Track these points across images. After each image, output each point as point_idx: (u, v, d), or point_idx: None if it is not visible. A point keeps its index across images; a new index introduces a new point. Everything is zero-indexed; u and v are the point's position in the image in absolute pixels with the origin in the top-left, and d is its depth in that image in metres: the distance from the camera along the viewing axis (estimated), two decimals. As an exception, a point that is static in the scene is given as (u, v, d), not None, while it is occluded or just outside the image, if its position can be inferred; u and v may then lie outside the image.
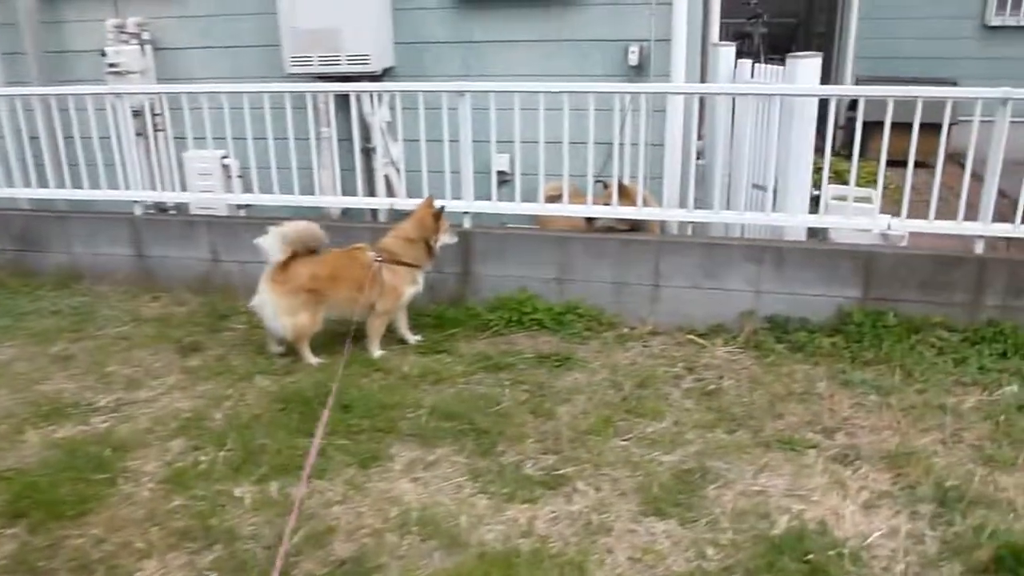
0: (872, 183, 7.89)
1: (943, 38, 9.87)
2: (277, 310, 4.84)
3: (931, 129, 4.81)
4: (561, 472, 3.89)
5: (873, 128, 4.96)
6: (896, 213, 5.10)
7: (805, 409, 4.44)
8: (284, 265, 4.82)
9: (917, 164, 4.93)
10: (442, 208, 5.09)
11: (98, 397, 4.66)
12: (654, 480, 3.82)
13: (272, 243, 4.77)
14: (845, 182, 5.26)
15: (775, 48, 10.61)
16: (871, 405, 4.46)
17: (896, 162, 5.04)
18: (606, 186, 5.42)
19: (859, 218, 5.08)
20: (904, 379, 4.70)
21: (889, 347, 4.94)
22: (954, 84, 9.21)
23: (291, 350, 5.04)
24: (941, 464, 3.90)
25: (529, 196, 5.62)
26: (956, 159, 6.32)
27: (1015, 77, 9.47)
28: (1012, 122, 4.69)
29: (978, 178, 4.99)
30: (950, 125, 4.90)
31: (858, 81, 9.36)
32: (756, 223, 5.55)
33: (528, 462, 3.99)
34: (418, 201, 5.38)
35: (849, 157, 5.12)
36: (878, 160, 5.01)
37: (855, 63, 9.52)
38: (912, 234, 5.20)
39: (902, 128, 4.81)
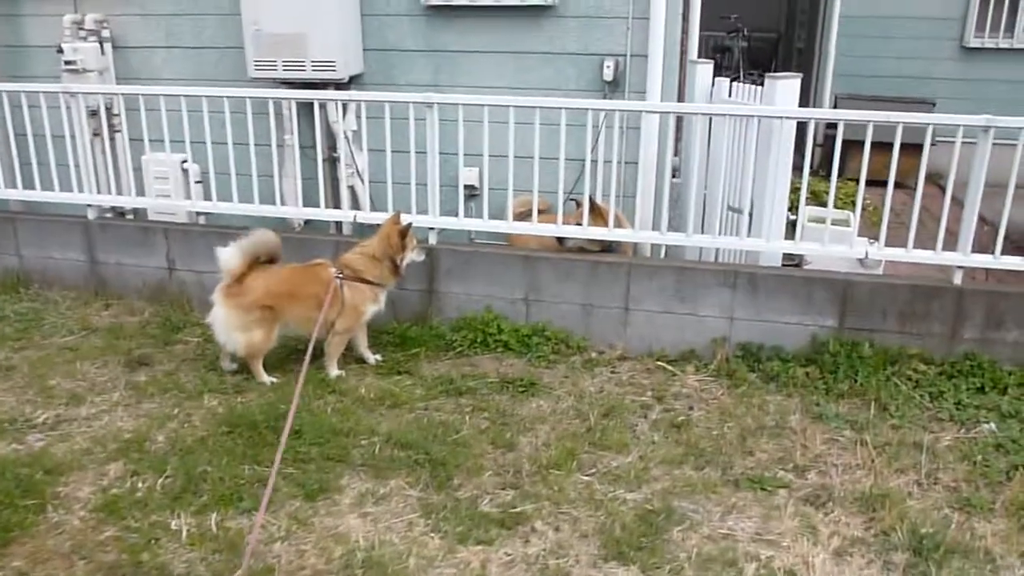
0: (850, 203, 7.81)
1: (922, 58, 9.83)
2: (230, 325, 4.61)
3: (910, 148, 4.67)
4: (519, 510, 3.70)
5: (851, 146, 4.82)
6: (874, 236, 4.96)
7: (777, 445, 4.28)
8: (239, 278, 4.59)
9: (895, 185, 4.79)
10: (409, 225, 4.88)
11: (37, 413, 4.42)
12: (617, 521, 3.63)
13: (230, 254, 4.54)
14: (823, 202, 5.11)
15: (755, 63, 10.52)
16: (845, 441, 4.31)
17: (874, 181, 4.90)
18: (578, 204, 5.23)
19: (836, 246, 4.91)
20: (879, 414, 4.55)
21: (864, 379, 4.79)
22: (932, 104, 9.19)
23: (244, 367, 4.81)
24: (916, 508, 3.75)
25: (498, 212, 5.43)
26: (934, 179, 6.20)
27: (993, 99, 9.53)
28: (992, 143, 4.56)
29: (958, 203, 4.86)
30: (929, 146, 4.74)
31: (837, 99, 9.26)
32: (731, 248, 5.38)
33: (485, 498, 3.79)
34: (384, 215, 5.19)
35: (827, 176, 4.98)
36: (856, 179, 4.87)
37: (834, 81, 9.43)
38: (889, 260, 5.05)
39: (881, 147, 4.67)
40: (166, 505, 3.66)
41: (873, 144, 4.63)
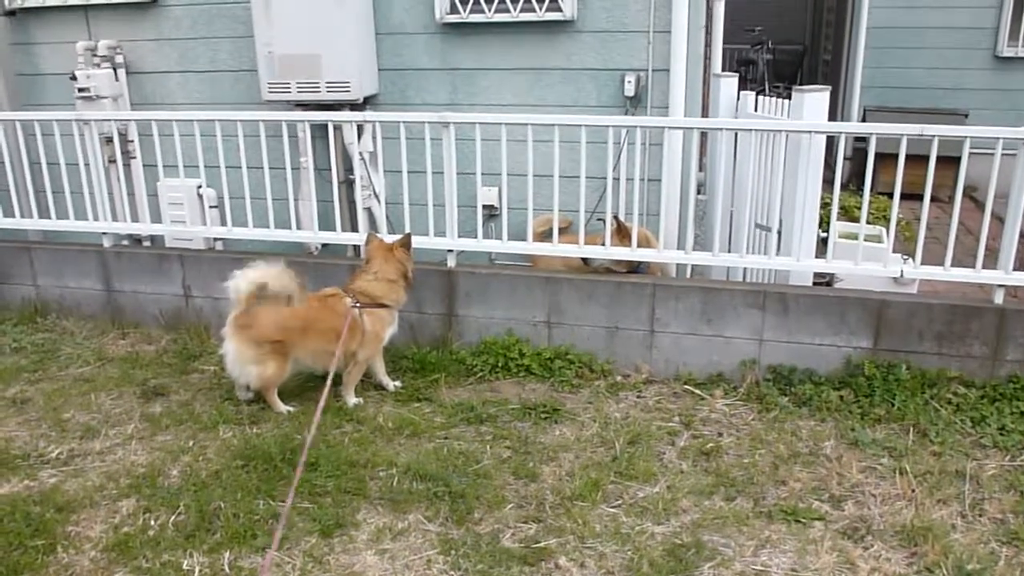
0: (882, 218, 7.60)
1: (954, 68, 9.59)
2: (242, 359, 4.51)
3: (943, 161, 4.48)
4: (542, 545, 3.56)
5: (883, 159, 4.64)
6: (907, 252, 4.77)
7: (811, 473, 4.10)
8: (249, 309, 4.48)
9: (919, 196, 4.62)
10: (409, 234, 4.81)
11: (50, 447, 4.34)
12: (644, 556, 3.47)
13: (238, 287, 4.43)
14: (854, 218, 4.93)
15: (780, 76, 10.32)
16: (883, 470, 4.12)
17: (905, 195, 4.70)
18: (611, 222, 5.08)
19: (870, 264, 4.73)
20: (918, 440, 4.36)
21: (902, 403, 4.60)
22: (965, 115, 8.98)
23: (261, 395, 4.70)
24: (961, 542, 3.56)
25: (518, 232, 5.30)
26: (968, 192, 6.00)
27: (1029, 108, 9.31)
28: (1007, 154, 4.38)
29: (996, 218, 4.66)
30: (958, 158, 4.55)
31: (866, 111, 9.06)
32: (759, 267, 5.21)
33: (506, 532, 3.65)
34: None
35: (857, 190, 4.81)
36: (887, 193, 4.68)
37: (862, 93, 9.21)
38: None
39: (913, 160, 4.50)
40: (179, 544, 3.54)
41: (893, 156, 4.47)
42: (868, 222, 4.85)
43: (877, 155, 4.54)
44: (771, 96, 5.56)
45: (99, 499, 3.86)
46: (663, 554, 3.49)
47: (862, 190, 4.69)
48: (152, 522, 3.70)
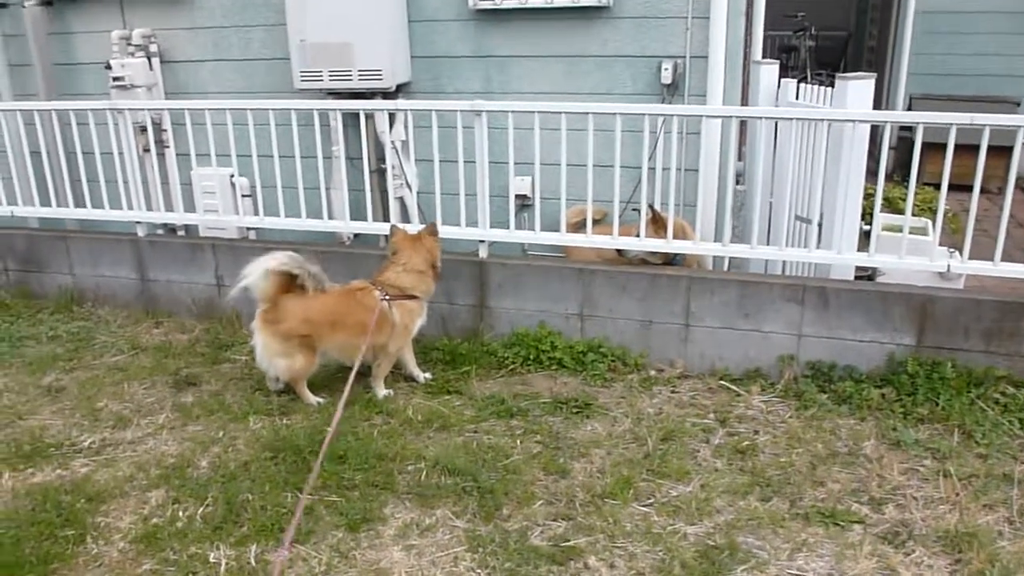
0: (927, 210, 7.37)
1: (1004, 55, 9.27)
2: (270, 352, 4.49)
3: (992, 151, 4.28)
4: (571, 543, 3.49)
5: (928, 148, 4.46)
6: (954, 245, 4.60)
7: (850, 474, 3.98)
8: (276, 303, 4.46)
9: (967, 187, 4.44)
10: (434, 223, 4.76)
11: (83, 436, 4.35)
12: (676, 558, 3.39)
13: (253, 284, 4.43)
14: (898, 210, 4.76)
15: (823, 63, 10.05)
16: (925, 472, 3.98)
17: (953, 186, 4.52)
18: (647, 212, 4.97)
19: (914, 258, 4.57)
20: (963, 441, 4.21)
21: (946, 402, 4.44)
22: (1016, 103, 8.70)
23: (290, 387, 4.68)
24: (1008, 550, 3.42)
25: (551, 222, 5.21)
26: (1018, 184, 5.79)
27: (1082, 94, 8.97)
28: None
29: None
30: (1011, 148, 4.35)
31: (912, 100, 8.79)
32: (799, 260, 5.07)
33: (535, 529, 3.58)
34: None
35: (902, 181, 4.63)
36: (933, 184, 4.52)
37: (908, 80, 8.95)
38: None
39: (961, 150, 4.33)
40: (206, 536, 3.53)
41: (941, 146, 4.30)
42: (914, 214, 4.66)
43: (924, 145, 4.38)
44: (814, 84, 5.41)
45: (129, 489, 3.86)
46: (695, 556, 3.40)
47: (907, 181, 4.53)
48: (180, 513, 3.69)
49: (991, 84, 9.14)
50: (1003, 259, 4.48)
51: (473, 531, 3.56)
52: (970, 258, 4.54)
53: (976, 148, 4.26)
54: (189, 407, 4.63)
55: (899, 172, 8.38)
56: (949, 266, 4.54)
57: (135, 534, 3.57)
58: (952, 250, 4.90)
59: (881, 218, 5.53)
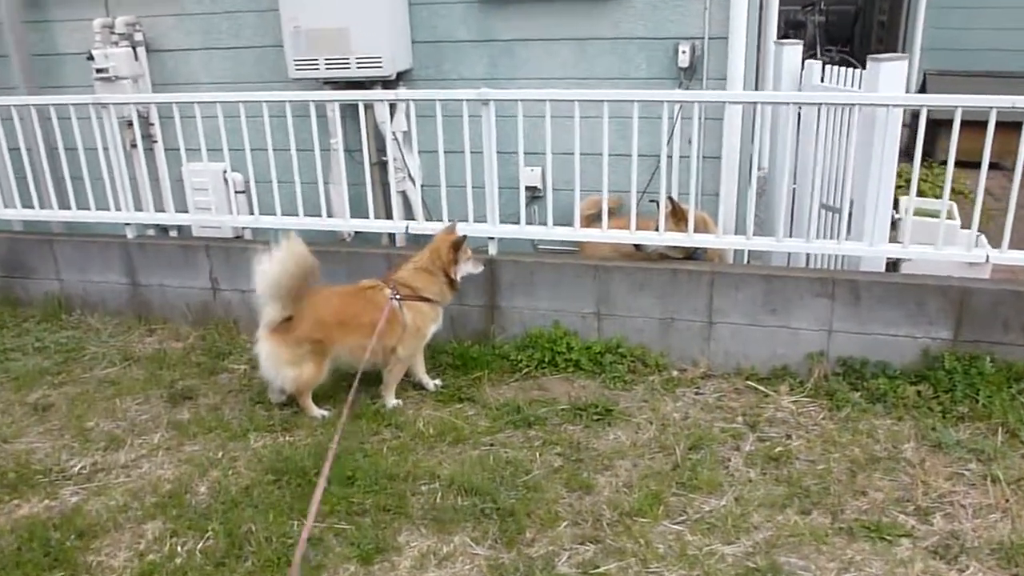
0: (940, 189, 7.11)
1: (1018, 28, 8.99)
2: (277, 360, 4.21)
3: (1002, 127, 4.09)
4: (602, 570, 3.26)
5: (942, 126, 4.19)
6: (980, 230, 4.36)
7: (893, 481, 3.75)
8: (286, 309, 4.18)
9: (991, 166, 4.22)
10: (464, 237, 4.43)
11: (73, 461, 4.08)
12: (715, 583, 3.15)
13: (265, 301, 4.14)
14: (919, 192, 4.48)
15: (832, 39, 9.73)
16: (971, 476, 3.76)
17: (961, 163, 4.28)
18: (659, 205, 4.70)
19: (952, 248, 4.31)
20: (1008, 441, 3.99)
21: (987, 399, 4.21)
22: None
23: (293, 399, 4.42)
24: (1068, 563, 3.20)
25: (563, 215, 4.93)
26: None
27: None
28: None
29: None
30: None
31: (926, 76, 8.51)
32: (827, 252, 4.80)
33: (562, 555, 3.34)
34: (439, 225, 4.75)
35: (911, 160, 4.36)
36: (944, 162, 4.27)
37: (922, 56, 8.67)
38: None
39: (969, 127, 4.10)
40: (207, 573, 3.28)
41: (964, 124, 4.07)
42: (929, 195, 4.42)
43: (936, 122, 4.12)
44: (823, 60, 5.14)
45: (123, 521, 3.60)
46: (736, 580, 3.17)
47: (928, 160, 4.28)
48: (179, 548, 3.43)
49: (1005, 59, 8.88)
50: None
51: (495, 559, 3.32)
52: (990, 239, 4.29)
53: (986, 124, 4.05)
54: (185, 424, 4.36)
55: (911, 151, 8.13)
56: (988, 256, 4.29)
57: (131, 574, 3.31)
58: (979, 234, 4.63)
59: (905, 202, 5.28)
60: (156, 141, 5.59)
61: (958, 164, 4.25)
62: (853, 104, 4.22)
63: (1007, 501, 3.57)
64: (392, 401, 4.47)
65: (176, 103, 5.12)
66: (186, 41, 5.93)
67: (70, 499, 3.79)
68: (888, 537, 3.39)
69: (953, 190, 6.62)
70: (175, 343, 5.35)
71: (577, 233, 4.84)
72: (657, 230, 4.65)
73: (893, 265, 4.94)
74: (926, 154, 4.22)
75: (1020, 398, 4.21)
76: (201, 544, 3.43)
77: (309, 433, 4.23)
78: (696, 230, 4.59)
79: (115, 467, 4.02)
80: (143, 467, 4.02)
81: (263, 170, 5.11)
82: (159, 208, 5.64)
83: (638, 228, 4.68)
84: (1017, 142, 4.02)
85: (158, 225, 5.82)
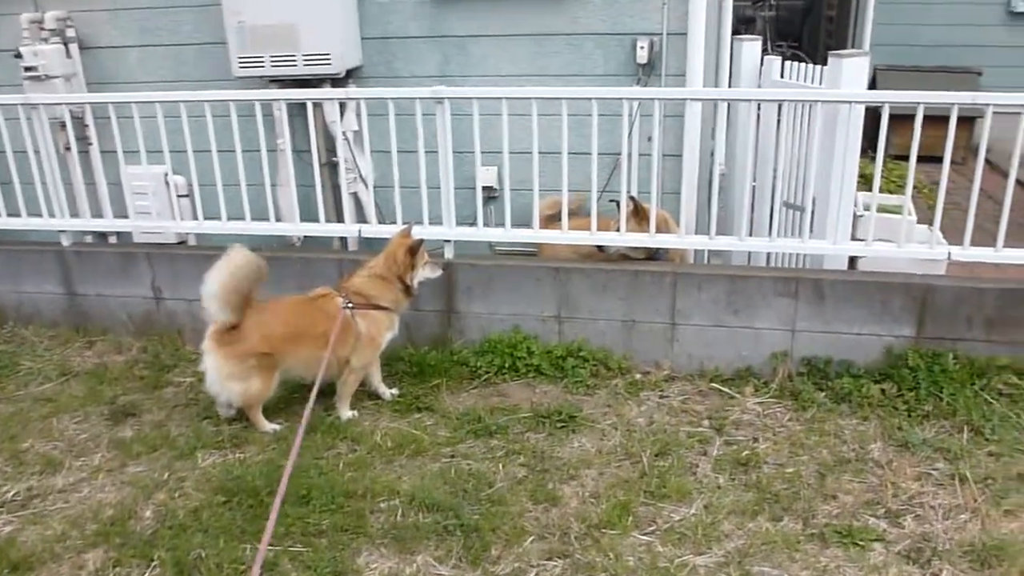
0: (895, 184, 7.13)
1: (967, 25, 9.20)
2: (223, 375, 4.00)
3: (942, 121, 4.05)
4: (572, 588, 3.12)
5: (894, 121, 4.15)
6: (931, 221, 4.35)
7: (862, 484, 3.70)
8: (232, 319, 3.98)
9: (934, 159, 4.22)
10: (421, 241, 4.26)
11: (5, 486, 3.82)
12: (689, 597, 3.05)
13: (211, 304, 3.93)
14: (869, 186, 4.44)
15: (782, 35, 9.73)
16: (939, 476, 3.73)
17: (912, 156, 4.23)
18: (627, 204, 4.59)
19: (914, 246, 4.28)
20: (973, 439, 3.97)
21: (950, 396, 4.20)
22: (979, 74, 8.62)
23: (243, 413, 4.21)
24: (1040, 563, 3.16)
25: (522, 216, 4.80)
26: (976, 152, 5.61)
27: (1044, 66, 8.88)
28: None
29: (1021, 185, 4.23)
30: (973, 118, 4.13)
31: (876, 71, 8.56)
32: (790, 251, 4.74)
33: (529, 572, 3.23)
34: (393, 228, 4.58)
35: (865, 153, 4.34)
36: (900, 157, 4.26)
37: (872, 51, 8.72)
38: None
39: (924, 121, 4.07)
40: (154, 604, 3.08)
41: (910, 117, 4.03)
42: (888, 191, 4.40)
43: (891, 117, 4.09)
44: (774, 55, 5.09)
45: (61, 551, 3.36)
46: (710, 594, 3.08)
47: (872, 154, 4.25)
48: (123, 579, 3.23)
49: (954, 55, 9.02)
50: (975, 230, 4.23)
51: (461, 579, 3.18)
52: (945, 233, 4.32)
53: (940, 119, 4.01)
54: (128, 443, 4.13)
55: (865, 144, 8.17)
56: (951, 254, 4.26)
57: (71, 607, 3.11)
58: (932, 228, 4.61)
59: (861, 198, 5.26)
60: (91, 143, 5.32)
61: (905, 158, 4.23)
62: (816, 101, 4.14)
63: (976, 501, 3.54)
64: (347, 413, 4.29)
65: (112, 103, 4.87)
66: (122, 38, 5.64)
67: (2, 529, 3.54)
68: (860, 542, 3.33)
69: (899, 184, 6.71)
70: (116, 356, 5.08)
71: (536, 235, 4.72)
72: (618, 230, 4.54)
73: (851, 261, 4.91)
74: (875, 148, 4.19)
75: (983, 394, 4.21)
76: (147, 574, 3.22)
77: (261, 449, 4.03)
78: (658, 229, 4.50)
79: (52, 492, 3.77)
80: (83, 491, 3.78)
81: (207, 173, 4.87)
82: (96, 214, 5.36)
83: (599, 228, 4.56)
84: (966, 136, 4.01)
85: (96, 231, 5.53)
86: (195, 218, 5.10)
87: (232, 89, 5.00)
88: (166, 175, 5.26)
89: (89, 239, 5.55)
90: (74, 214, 5.31)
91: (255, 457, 3.96)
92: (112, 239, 5.52)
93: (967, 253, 4.24)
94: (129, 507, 3.63)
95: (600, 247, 4.63)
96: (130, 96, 4.91)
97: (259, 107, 4.74)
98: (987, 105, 3.97)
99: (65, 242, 5.24)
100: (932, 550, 3.27)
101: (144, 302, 5.20)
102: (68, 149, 5.43)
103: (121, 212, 5.30)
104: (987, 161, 4.26)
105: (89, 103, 5.14)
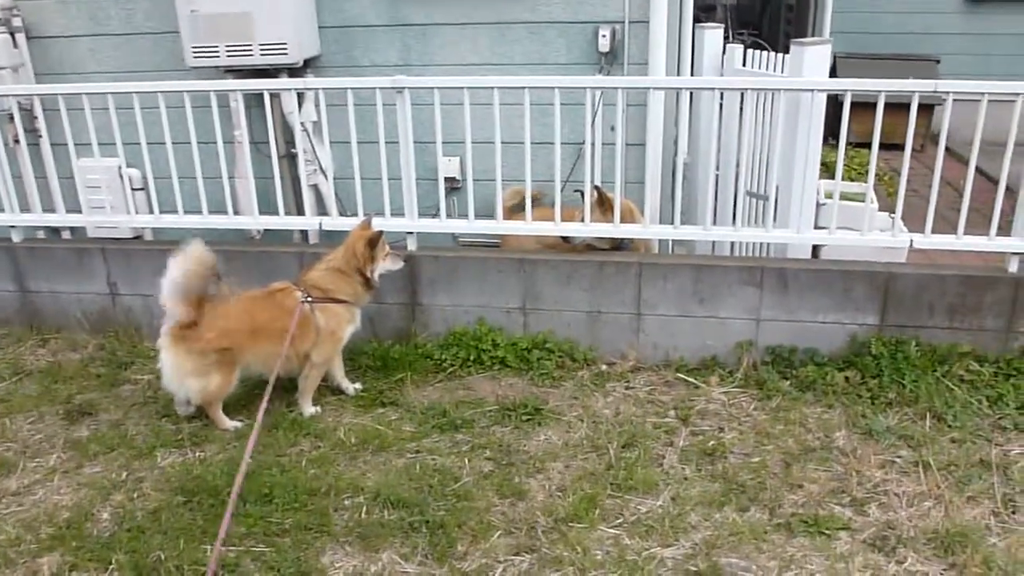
0: (856, 172, 7.18)
1: (925, 12, 9.30)
2: (181, 372, 3.92)
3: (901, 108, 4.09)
4: (539, 583, 3.09)
5: (854, 108, 4.17)
6: (893, 210, 4.38)
7: (827, 472, 3.71)
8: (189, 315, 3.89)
9: (895, 146, 4.27)
10: (380, 233, 4.19)
11: (-42, 489, 3.72)
12: (657, 591, 3.04)
13: (173, 304, 3.83)
14: (834, 175, 4.46)
15: (743, 22, 9.73)
16: (903, 463, 3.75)
17: (874, 144, 4.25)
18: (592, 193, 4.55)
19: (877, 234, 4.30)
20: (935, 425, 4.00)
21: (913, 383, 4.24)
22: (937, 61, 8.72)
23: (203, 410, 4.13)
24: (1001, 548, 3.22)
25: (485, 206, 4.74)
26: (937, 141, 5.67)
27: (998, 53, 9.00)
28: (991, 101, 3.98)
29: (980, 173, 4.29)
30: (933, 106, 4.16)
31: (836, 58, 8.62)
32: (755, 240, 4.74)
33: (496, 568, 3.19)
34: (354, 220, 4.51)
35: (832, 143, 4.36)
36: (860, 144, 4.27)
37: (832, 39, 8.78)
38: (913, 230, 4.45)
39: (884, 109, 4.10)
40: (112, 609, 3.01)
41: (871, 105, 4.06)
42: (848, 178, 4.43)
43: (851, 104, 4.11)
44: (735, 44, 5.08)
45: (15, 556, 3.26)
46: (678, 586, 3.06)
47: (833, 142, 4.27)
48: (80, 583, 3.14)
49: (913, 42, 9.11)
50: (934, 218, 4.27)
51: (427, 576, 3.14)
52: (906, 221, 4.35)
53: (900, 107, 4.05)
54: (85, 443, 4.03)
55: (826, 131, 8.23)
56: (912, 241, 4.29)
57: (25, 614, 3.02)
58: (892, 215, 4.64)
59: (823, 185, 5.27)
60: (41, 136, 5.17)
61: (865, 146, 4.24)
62: (779, 89, 4.13)
63: (939, 488, 3.57)
64: (310, 409, 4.22)
65: (61, 95, 4.73)
66: (71, 27, 5.47)
67: (-45, 534, 3.44)
68: (826, 531, 3.34)
69: (860, 172, 6.76)
70: (71, 354, 4.96)
71: (500, 225, 4.67)
72: (583, 220, 4.50)
73: (814, 250, 4.92)
74: (838, 136, 4.20)
75: (945, 381, 4.25)
76: (105, 578, 3.15)
77: (221, 447, 3.95)
78: (622, 219, 4.47)
79: (5, 495, 3.67)
80: (37, 493, 3.68)
81: (162, 165, 4.76)
82: (48, 208, 5.20)
83: (564, 219, 4.53)
84: (925, 124, 4.04)
85: (48, 227, 5.38)
86: (151, 212, 4.98)
87: (187, 80, 4.87)
88: (120, 168, 5.12)
89: (41, 234, 5.40)
90: (25, 209, 5.16)
91: (216, 456, 3.88)
92: (65, 234, 5.37)
93: (929, 241, 4.27)
94: (86, 509, 3.54)
95: (565, 238, 4.59)
96: (80, 87, 4.78)
97: (215, 98, 4.63)
98: (948, 93, 3.99)
99: (16, 238, 5.10)
100: (896, 538, 3.29)
101: (100, 298, 5.07)
102: (17, 142, 5.26)
103: (74, 206, 5.16)
104: (946, 148, 4.28)
105: (38, 95, 4.98)
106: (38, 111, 5.02)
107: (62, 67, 5.54)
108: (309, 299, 4.09)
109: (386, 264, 4.30)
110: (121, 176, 5.17)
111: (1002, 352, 4.32)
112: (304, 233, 5.22)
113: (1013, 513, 3.41)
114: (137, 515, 3.48)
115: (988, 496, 3.50)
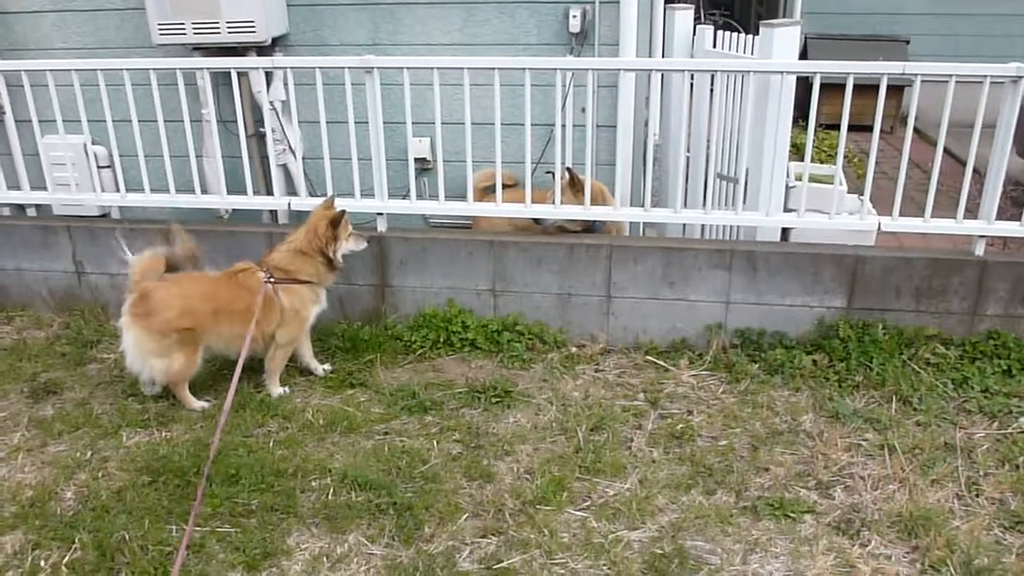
0: (826, 154, 7.21)
1: (893, -8, 9.27)
2: (143, 351, 3.87)
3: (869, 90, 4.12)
4: (505, 564, 3.11)
5: (824, 90, 4.17)
6: (862, 192, 4.41)
7: (793, 455, 3.74)
8: (147, 294, 3.84)
9: (863, 127, 4.25)
10: (343, 212, 4.15)
11: (-81, 468, 3.67)
12: (622, 572, 3.05)
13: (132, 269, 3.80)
14: (803, 157, 4.46)
15: (714, 3, 9.74)
16: (869, 447, 3.78)
17: (843, 126, 4.24)
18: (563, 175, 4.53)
19: (846, 217, 4.32)
20: (901, 408, 4.04)
21: (879, 366, 4.27)
22: (906, 42, 8.76)
23: (169, 390, 4.09)
24: (963, 530, 3.25)
25: (455, 187, 4.72)
26: (904, 121, 5.70)
27: (964, 34, 9.05)
28: (959, 82, 4.01)
29: (948, 154, 4.29)
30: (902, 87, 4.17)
31: (807, 39, 8.64)
32: (724, 223, 4.75)
33: (463, 550, 3.18)
34: (322, 200, 4.46)
35: (802, 124, 4.36)
36: (829, 126, 4.28)
37: (803, 20, 8.80)
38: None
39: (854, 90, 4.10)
40: (74, 590, 2.98)
41: (840, 86, 4.05)
42: (818, 160, 4.44)
43: (821, 86, 4.12)
44: (707, 24, 5.07)
45: (-24, 536, 3.24)
46: (643, 567, 3.08)
47: (803, 123, 4.28)
48: (42, 562, 3.10)
49: (883, 23, 9.15)
50: (903, 201, 4.29)
51: (393, 558, 3.13)
52: (875, 203, 4.35)
53: (869, 88, 4.07)
54: (49, 422, 3.98)
55: (796, 113, 8.28)
56: (881, 224, 4.31)
57: (-15, 595, 2.99)
58: (861, 197, 4.67)
59: (793, 168, 5.29)
60: (5, 112, 5.07)
61: (835, 127, 4.25)
62: (749, 71, 4.13)
63: (903, 471, 3.59)
64: (277, 390, 4.20)
65: (25, 71, 4.64)
66: (35, 2, 5.35)
67: (-86, 515, 3.40)
68: (792, 514, 3.36)
69: (830, 154, 6.79)
70: (36, 332, 4.90)
71: (471, 207, 4.64)
72: (554, 202, 4.49)
73: (783, 232, 4.94)
74: (807, 118, 4.20)
75: (911, 364, 4.28)
76: (67, 557, 3.11)
77: (188, 427, 3.92)
78: (593, 201, 4.46)
79: (-33, 475, 3.64)
80: (0, 472, 3.64)
81: (128, 143, 4.69)
82: (12, 185, 5.12)
83: (535, 200, 4.51)
84: (894, 106, 4.05)
85: (13, 204, 5.29)
86: (117, 190, 4.91)
87: (153, 57, 4.80)
88: (86, 146, 5.04)
89: (6, 211, 5.31)
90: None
91: (182, 436, 3.85)
92: (31, 211, 5.29)
93: (896, 224, 4.29)
94: (49, 488, 3.51)
95: (536, 219, 4.58)
96: (45, 63, 4.69)
97: (181, 76, 4.56)
98: (916, 75, 4.01)
99: (-21, 215, 5.02)
100: (861, 521, 3.32)
101: (65, 276, 5.01)
102: (-20, 118, 5.18)
103: (39, 184, 5.08)
104: (915, 130, 4.29)
105: (1, 71, 4.88)
106: (1, 88, 4.92)
107: (26, 43, 5.45)
108: (272, 280, 4.05)
109: (349, 244, 4.26)
110: (87, 153, 5.10)
111: (967, 335, 4.37)
112: (273, 213, 5.18)
113: (976, 496, 3.45)
114: (102, 495, 3.44)
115: (952, 479, 3.54)
